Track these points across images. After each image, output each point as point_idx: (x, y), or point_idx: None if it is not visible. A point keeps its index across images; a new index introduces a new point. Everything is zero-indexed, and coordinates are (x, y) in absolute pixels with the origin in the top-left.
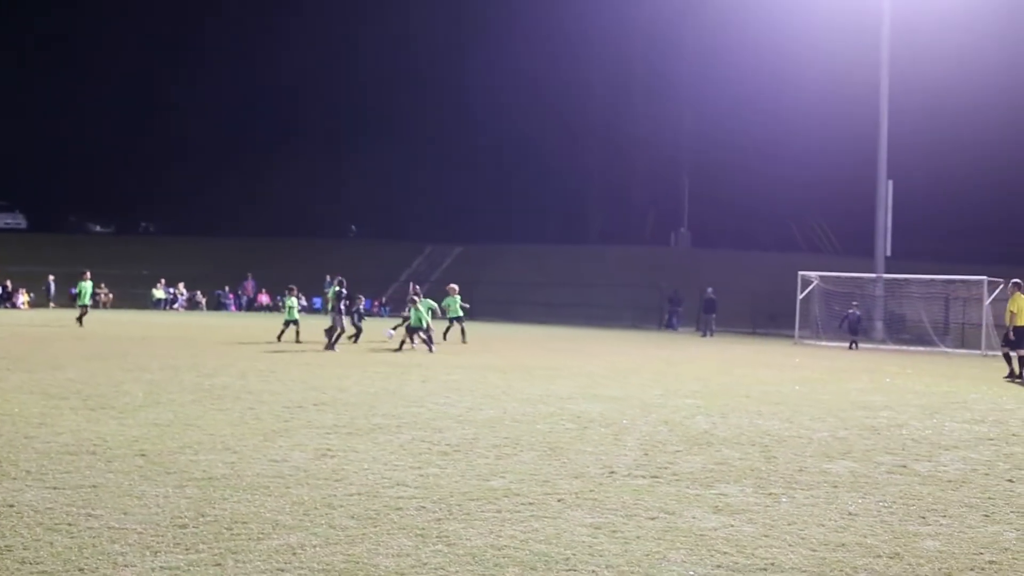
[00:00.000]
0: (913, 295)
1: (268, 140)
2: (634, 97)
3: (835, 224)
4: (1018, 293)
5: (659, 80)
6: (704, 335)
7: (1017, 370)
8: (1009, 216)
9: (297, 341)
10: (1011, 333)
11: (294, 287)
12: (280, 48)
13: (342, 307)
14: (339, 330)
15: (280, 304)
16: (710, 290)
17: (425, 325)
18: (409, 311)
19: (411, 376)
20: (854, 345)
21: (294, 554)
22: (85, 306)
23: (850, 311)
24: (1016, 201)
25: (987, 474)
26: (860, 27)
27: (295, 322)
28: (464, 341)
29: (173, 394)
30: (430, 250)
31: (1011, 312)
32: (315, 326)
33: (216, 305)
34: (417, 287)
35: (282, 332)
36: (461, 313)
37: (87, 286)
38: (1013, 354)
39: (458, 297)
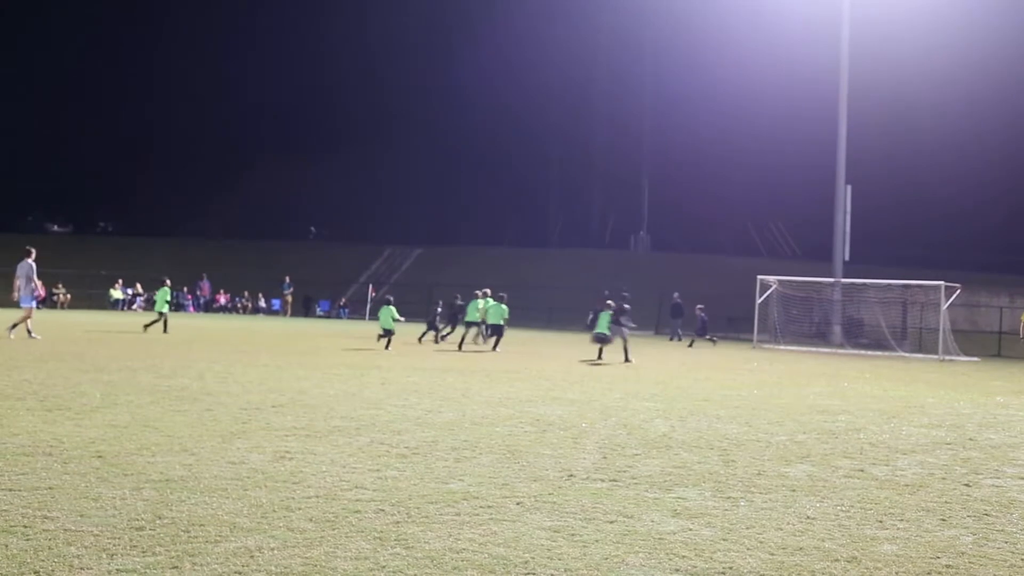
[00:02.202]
0: (871, 300)
1: (228, 142)
2: (595, 101)
3: (794, 228)
4: None
5: (620, 85)
6: (672, 339)
7: None
8: (968, 222)
9: (386, 348)
10: None
11: (391, 297)
12: (239, 53)
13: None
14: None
15: (240, 305)
16: (676, 295)
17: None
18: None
19: (370, 378)
20: (693, 343)
21: (251, 557)
22: (161, 313)
23: (699, 313)
24: (974, 207)
25: (944, 478)
26: (820, 33)
27: (391, 332)
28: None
29: (131, 395)
30: (389, 252)
31: (1022, 321)
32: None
33: (175, 306)
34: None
35: (380, 337)
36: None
37: (164, 292)
38: None
39: (491, 301)
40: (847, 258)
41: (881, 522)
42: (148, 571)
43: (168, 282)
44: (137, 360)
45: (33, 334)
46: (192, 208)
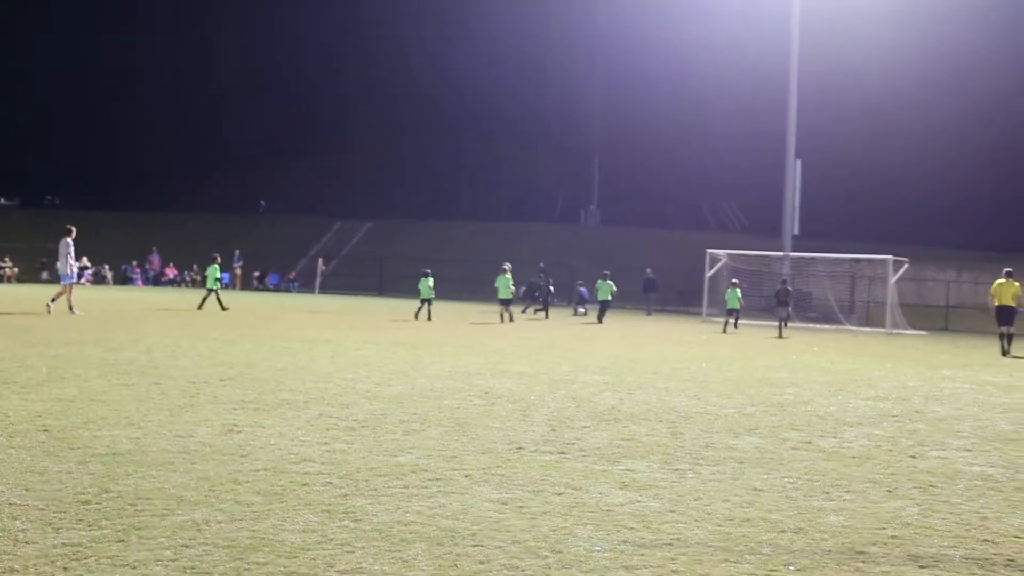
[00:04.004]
0: (820, 273)
1: (175, 113)
2: (545, 75)
3: (744, 203)
4: (1008, 280)
5: (570, 59)
6: (649, 314)
7: (1006, 347)
8: (916, 197)
9: (428, 319)
10: (996, 313)
11: (428, 270)
12: (190, 29)
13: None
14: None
15: (189, 278)
16: (649, 271)
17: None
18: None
19: (320, 351)
20: (576, 313)
21: (199, 530)
22: (211, 290)
23: (580, 288)
24: (922, 183)
25: (890, 450)
26: (771, 9)
27: (429, 301)
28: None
29: (77, 369)
30: (339, 226)
31: (992, 295)
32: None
33: (123, 280)
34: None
35: (419, 310)
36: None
37: (214, 270)
38: (1005, 331)
39: (509, 277)
40: (796, 232)
41: (828, 493)
42: (94, 545)
43: (218, 259)
44: (84, 334)
45: (75, 310)
46: (140, 181)
